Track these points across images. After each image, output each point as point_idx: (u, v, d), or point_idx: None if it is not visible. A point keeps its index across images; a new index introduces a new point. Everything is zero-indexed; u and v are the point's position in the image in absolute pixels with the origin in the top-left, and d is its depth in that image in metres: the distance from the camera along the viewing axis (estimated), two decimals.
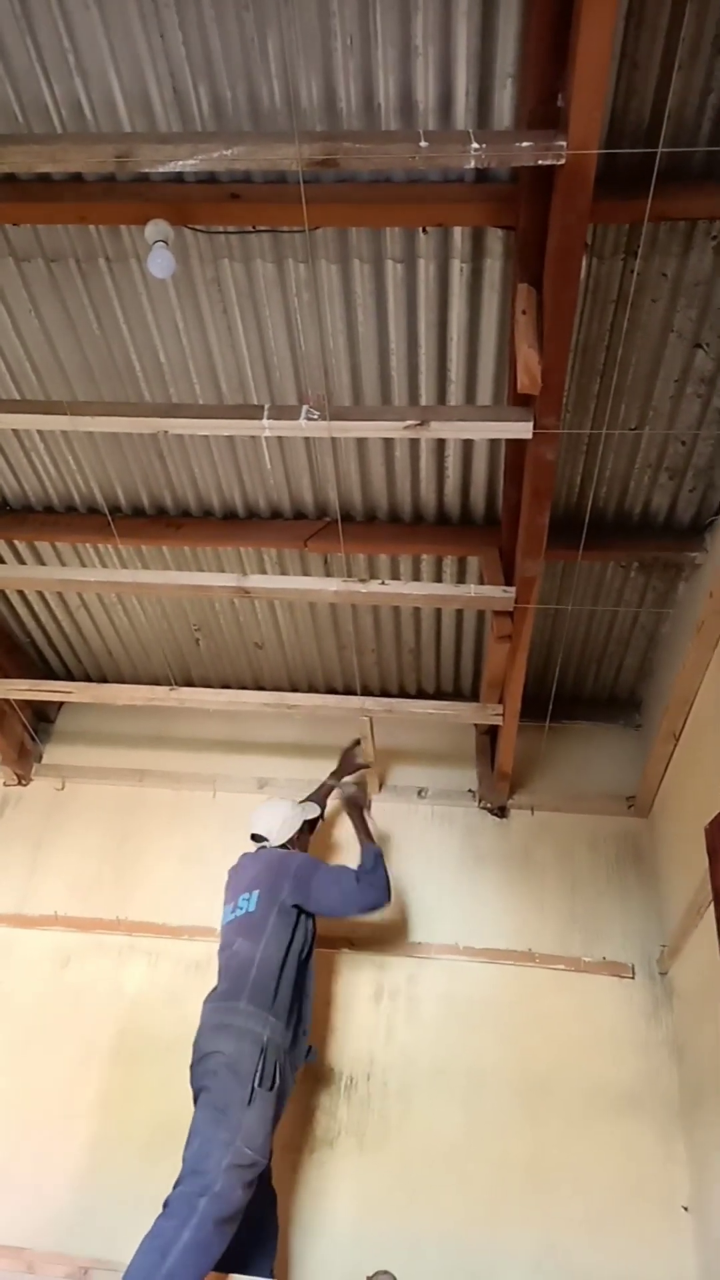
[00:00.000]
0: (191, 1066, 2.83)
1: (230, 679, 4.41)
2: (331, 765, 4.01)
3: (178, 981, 3.69)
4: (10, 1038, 3.61)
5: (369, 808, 3.55)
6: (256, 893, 3.10)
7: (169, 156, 2.04)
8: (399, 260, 2.55)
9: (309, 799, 3.71)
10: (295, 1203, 3.12)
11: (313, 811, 3.58)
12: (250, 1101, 2.64)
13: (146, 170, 2.12)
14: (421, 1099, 3.32)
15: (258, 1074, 2.68)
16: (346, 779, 3.81)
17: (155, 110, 2.31)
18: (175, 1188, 2.52)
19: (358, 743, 3.87)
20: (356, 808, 3.50)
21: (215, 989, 2.99)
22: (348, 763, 3.85)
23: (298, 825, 3.46)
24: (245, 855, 3.41)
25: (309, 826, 3.57)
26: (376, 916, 3.71)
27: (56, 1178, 3.26)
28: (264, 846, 3.39)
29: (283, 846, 3.40)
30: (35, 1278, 2.95)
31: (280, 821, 3.42)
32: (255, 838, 3.43)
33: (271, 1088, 2.70)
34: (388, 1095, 3.34)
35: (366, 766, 3.89)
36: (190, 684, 4.38)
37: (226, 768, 4.30)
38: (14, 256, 2.69)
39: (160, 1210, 2.49)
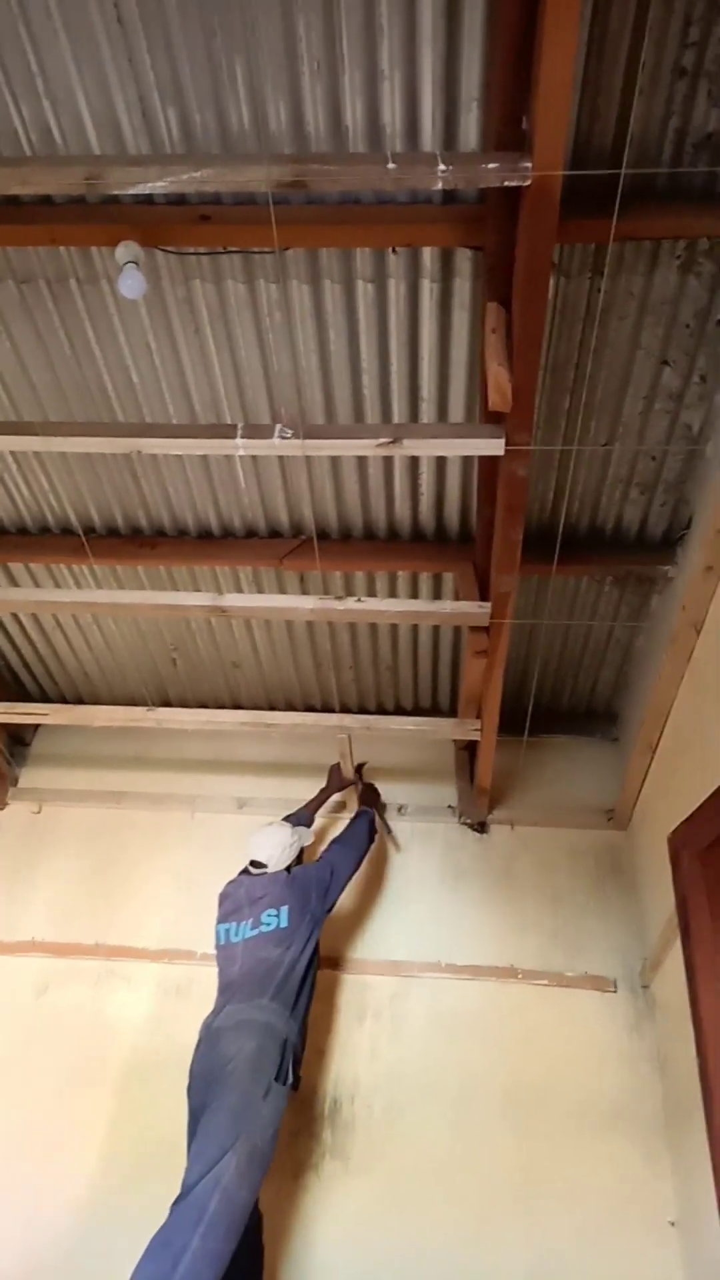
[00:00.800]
0: (194, 1078, 2.84)
1: (208, 699, 4.39)
2: (311, 783, 4.01)
3: (159, 1005, 3.65)
4: None
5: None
6: (286, 908, 3.19)
7: (138, 179, 2.05)
8: (369, 280, 2.57)
9: (298, 817, 3.73)
10: (283, 1229, 3.07)
11: (308, 839, 3.63)
12: (267, 1095, 2.68)
13: (116, 192, 2.13)
14: (408, 1118, 3.30)
15: (279, 1068, 2.75)
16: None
17: (124, 133, 2.33)
18: (183, 1191, 2.50)
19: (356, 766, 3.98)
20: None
21: (225, 1000, 3.02)
22: (336, 778, 3.88)
23: (296, 852, 3.49)
24: (245, 876, 3.42)
25: (303, 854, 3.59)
26: (358, 933, 3.71)
27: (49, 1207, 3.20)
28: (264, 871, 3.39)
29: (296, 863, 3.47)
30: None
31: (281, 849, 3.45)
32: (255, 864, 3.42)
33: (286, 1083, 2.76)
34: (373, 1116, 3.31)
35: (354, 782, 3.91)
36: (168, 704, 4.36)
37: (206, 788, 4.28)
38: None
39: (167, 1214, 2.47)
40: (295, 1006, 2.96)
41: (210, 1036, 2.94)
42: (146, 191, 2.06)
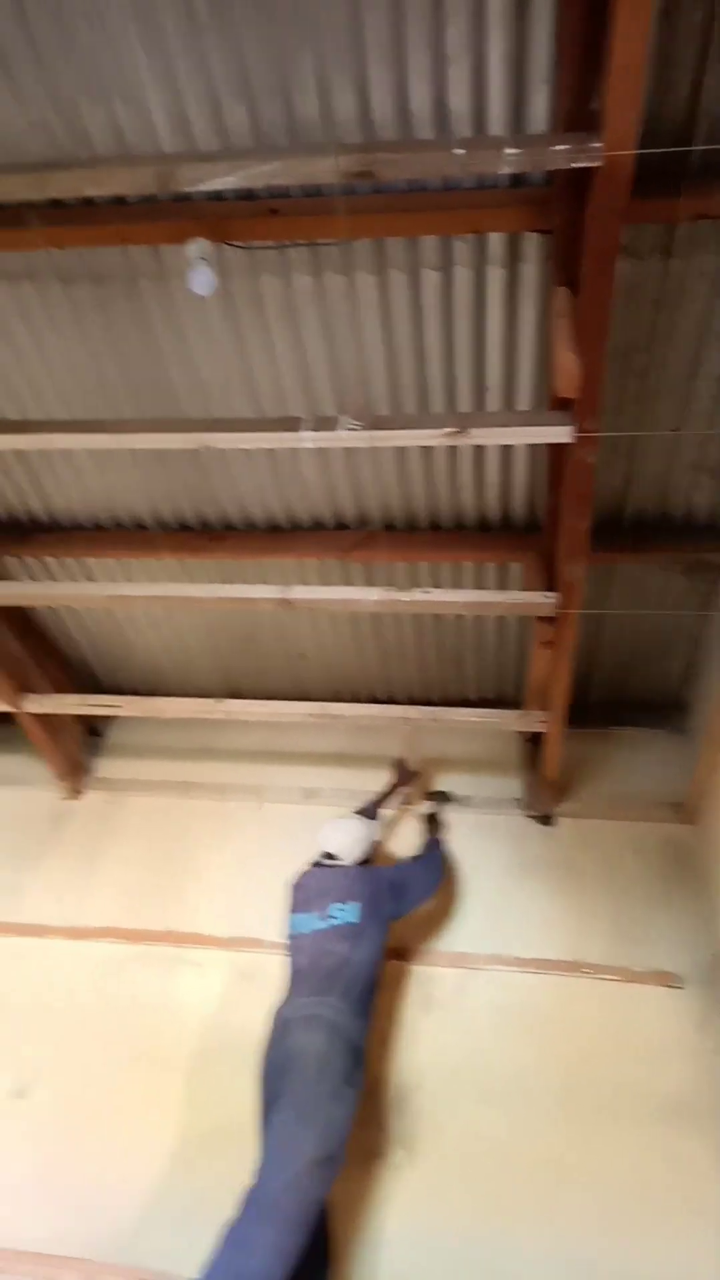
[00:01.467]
0: (266, 1066, 2.87)
1: (274, 690, 4.44)
2: (377, 775, 4.03)
3: (228, 992, 3.70)
4: (65, 1047, 3.65)
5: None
6: (356, 904, 3.18)
7: (209, 174, 2.09)
8: (435, 268, 2.57)
9: (365, 810, 3.76)
10: (351, 1215, 3.09)
11: (379, 834, 3.65)
12: (336, 1097, 2.69)
13: (187, 189, 2.17)
14: (472, 1110, 3.29)
15: (346, 1070, 2.75)
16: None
17: (193, 130, 2.37)
18: (254, 1184, 2.54)
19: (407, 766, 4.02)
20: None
21: (295, 991, 3.05)
22: (402, 772, 3.89)
23: (368, 846, 3.52)
24: (317, 868, 3.45)
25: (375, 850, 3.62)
26: (424, 925, 3.71)
27: (113, 1187, 3.27)
28: (337, 864, 3.42)
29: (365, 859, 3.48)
30: None
31: (353, 842, 3.47)
32: (327, 855, 3.46)
33: (356, 1087, 2.77)
34: (438, 1106, 3.31)
35: (418, 774, 3.94)
36: (236, 696, 4.41)
37: (272, 778, 4.33)
38: (59, 279, 2.77)
39: (236, 1208, 2.50)
40: (363, 1008, 2.98)
41: (281, 1026, 2.97)
42: (217, 187, 2.10)
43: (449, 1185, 3.15)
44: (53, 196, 2.37)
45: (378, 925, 3.18)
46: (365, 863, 3.51)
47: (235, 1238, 2.44)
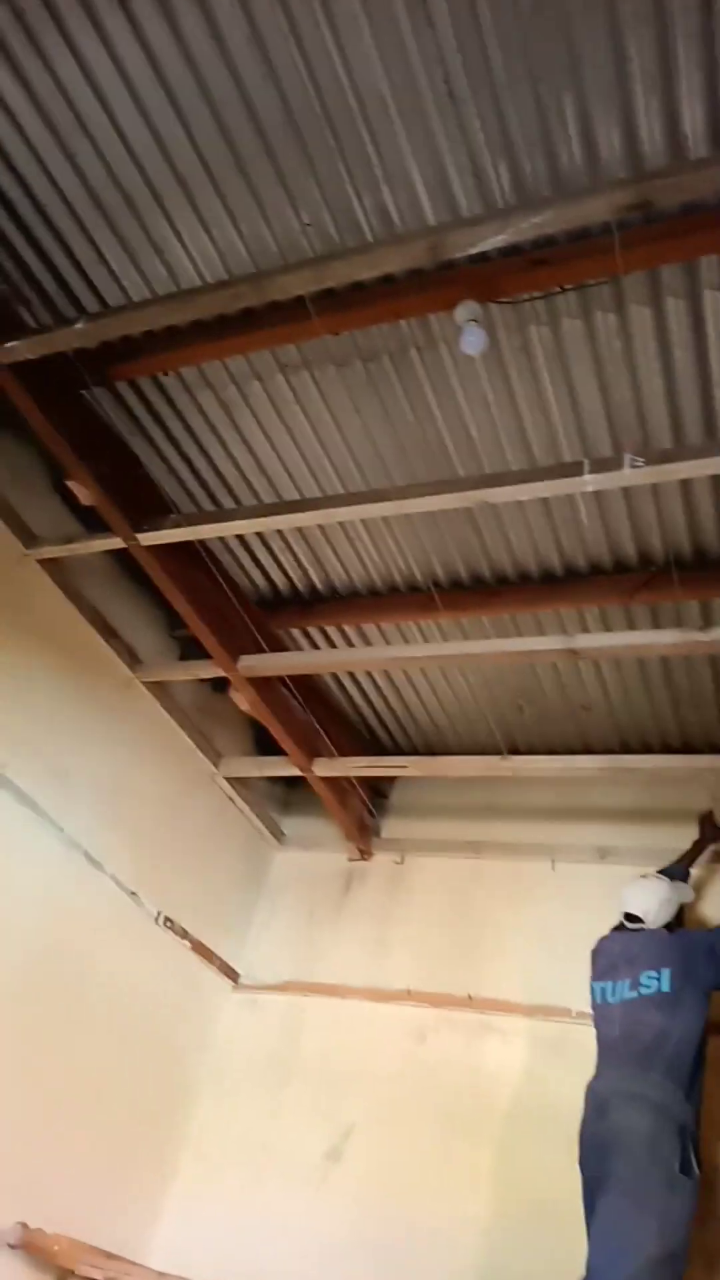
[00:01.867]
0: (586, 1146, 2.71)
1: (557, 745, 4.28)
2: (677, 831, 3.74)
3: (535, 1061, 3.55)
4: (377, 1112, 3.65)
5: None
6: (668, 971, 2.98)
7: (479, 237, 2.12)
8: (717, 288, 2.41)
9: (671, 870, 3.47)
10: None
11: (689, 895, 3.40)
12: (671, 1186, 2.48)
13: (455, 255, 2.20)
14: None
15: (680, 1157, 2.53)
16: None
17: (457, 198, 2.41)
18: (590, 1276, 2.38)
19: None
20: None
21: (609, 1065, 2.89)
22: (709, 828, 3.61)
23: (675, 908, 3.28)
24: (620, 932, 3.26)
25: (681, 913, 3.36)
26: None
27: (423, 1257, 3.20)
28: (642, 928, 3.21)
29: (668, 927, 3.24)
30: None
31: (658, 903, 3.25)
32: (630, 917, 3.25)
33: (692, 1177, 2.53)
34: None
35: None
36: (518, 753, 4.31)
37: (564, 837, 4.14)
38: (334, 363, 2.91)
39: None
40: (691, 1088, 2.73)
41: (598, 1104, 2.80)
42: (486, 248, 2.11)
43: None
44: (328, 286, 2.50)
45: (695, 995, 2.92)
46: (674, 926, 3.24)
47: None
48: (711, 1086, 3.11)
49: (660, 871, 3.45)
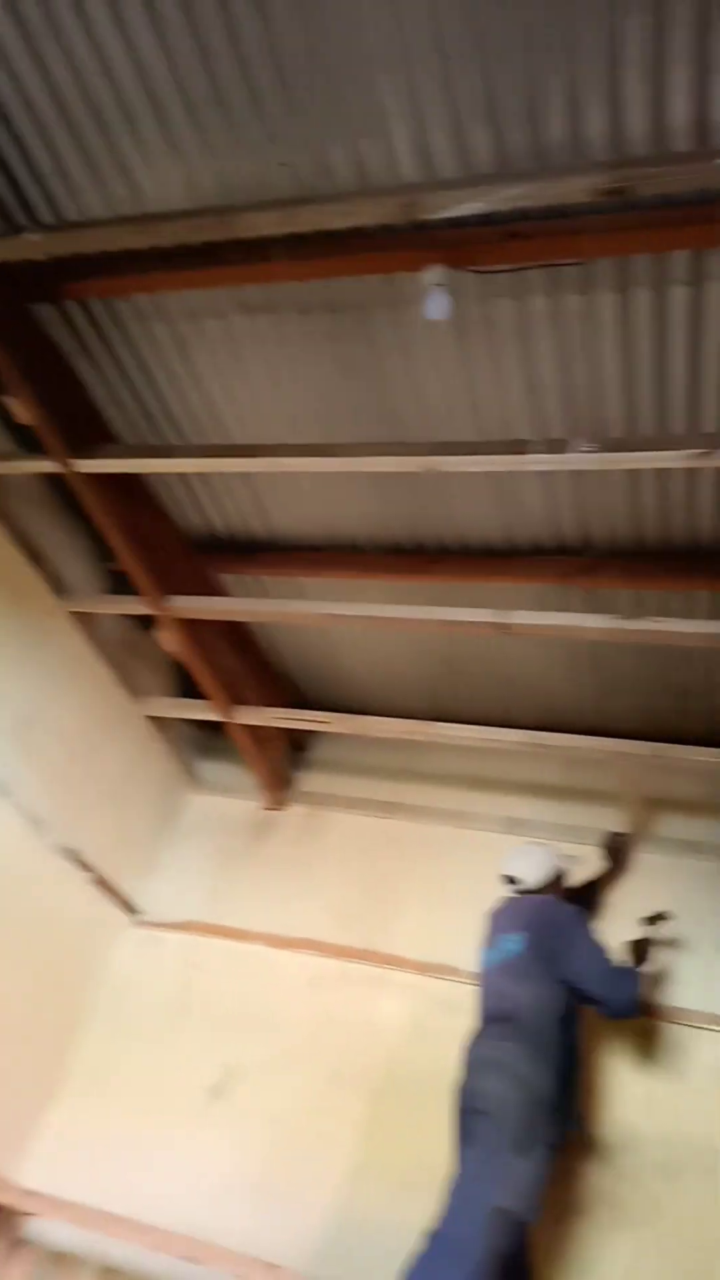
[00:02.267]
0: (456, 1105, 2.81)
1: (480, 717, 4.34)
2: (586, 810, 3.88)
3: (425, 1018, 3.66)
4: (265, 1055, 3.73)
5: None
6: (524, 936, 3.05)
7: (455, 201, 2.08)
8: (684, 283, 2.42)
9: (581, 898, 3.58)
10: (547, 1272, 2.96)
11: (568, 864, 3.46)
12: (521, 1152, 2.58)
13: (429, 217, 2.15)
14: (688, 1180, 3.06)
15: (531, 1123, 2.63)
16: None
17: (435, 158, 2.33)
18: (440, 1224, 2.49)
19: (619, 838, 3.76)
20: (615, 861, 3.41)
21: (482, 1028, 2.98)
22: (621, 860, 3.74)
23: (552, 872, 3.36)
24: (505, 898, 3.35)
25: (562, 877, 3.44)
26: None
27: (310, 1199, 3.31)
28: (520, 889, 3.31)
29: (537, 891, 3.31)
30: None
31: (535, 865, 3.35)
32: (508, 879, 3.35)
33: (547, 1144, 2.64)
34: (647, 1171, 3.11)
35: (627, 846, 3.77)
36: (441, 719, 4.37)
37: (476, 805, 4.25)
38: (296, 310, 2.84)
39: (421, 1242, 2.46)
40: (548, 1055, 2.79)
41: (468, 1065, 2.91)
42: (462, 213, 2.07)
43: (656, 1257, 2.94)
44: (297, 231, 2.43)
45: (544, 965, 2.96)
46: (557, 893, 3.35)
47: (423, 1277, 2.39)
48: (587, 1057, 3.29)
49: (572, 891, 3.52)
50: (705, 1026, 3.34)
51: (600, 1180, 3.12)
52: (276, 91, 2.29)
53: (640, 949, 3.16)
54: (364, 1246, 3.07)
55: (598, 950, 3.03)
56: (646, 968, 3.11)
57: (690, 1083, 3.25)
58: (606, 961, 3.00)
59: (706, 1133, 3.13)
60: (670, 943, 3.41)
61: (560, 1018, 2.91)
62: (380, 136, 2.34)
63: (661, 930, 3.30)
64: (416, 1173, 2.86)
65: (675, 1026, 3.37)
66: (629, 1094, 3.27)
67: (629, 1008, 2.96)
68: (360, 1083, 3.55)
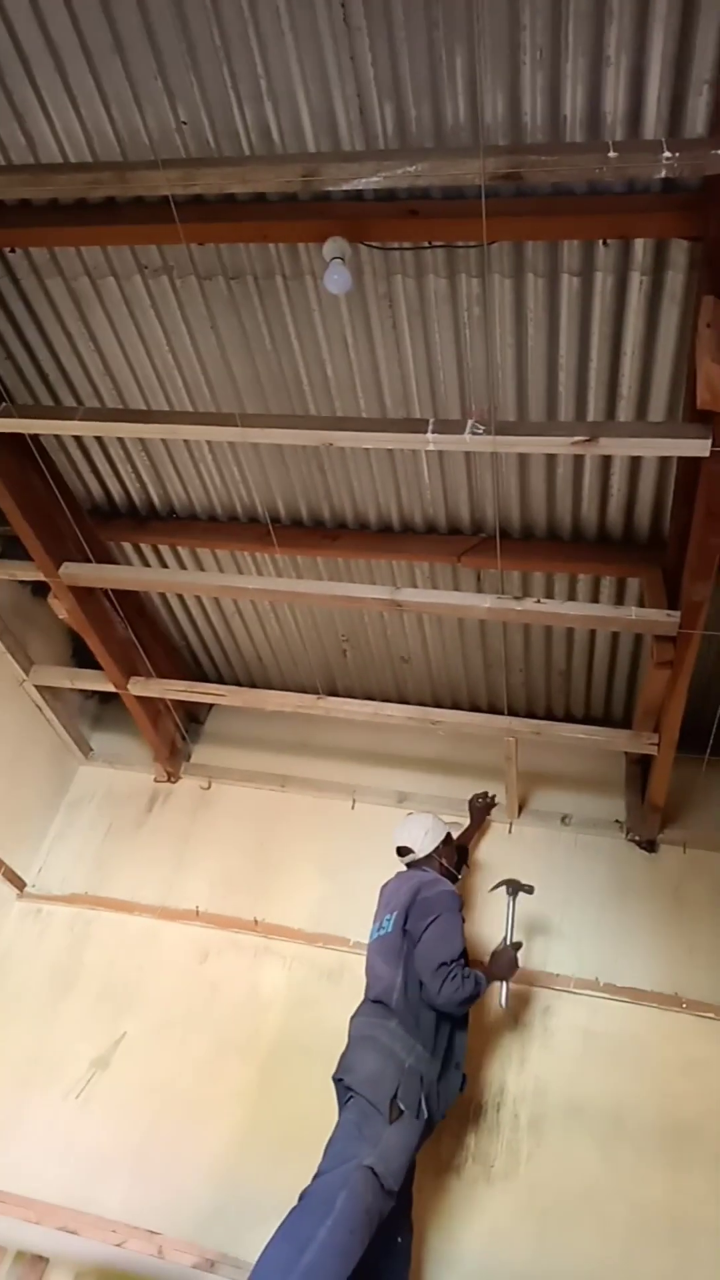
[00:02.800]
0: (337, 1075, 2.88)
1: (375, 692, 4.43)
2: (472, 783, 3.99)
3: (311, 987, 3.72)
4: (150, 1025, 3.73)
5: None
6: (395, 916, 3.11)
7: (353, 174, 2.09)
8: (576, 273, 2.50)
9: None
10: (422, 1226, 3.06)
11: (450, 829, 3.56)
12: (390, 1122, 2.65)
13: (329, 189, 2.16)
14: (554, 1135, 3.21)
15: (397, 1097, 2.70)
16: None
17: (340, 130, 2.36)
18: (313, 1182, 2.55)
19: (485, 796, 3.91)
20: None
21: (363, 1003, 3.05)
22: (477, 814, 3.88)
23: (440, 836, 3.44)
24: (397, 874, 3.42)
25: (450, 839, 3.52)
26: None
27: (190, 1167, 3.33)
28: (412, 860, 3.39)
29: (428, 858, 3.40)
30: (164, 1263, 3.02)
31: (423, 833, 3.43)
32: (400, 851, 3.43)
33: (417, 1115, 2.71)
34: (519, 1127, 3.25)
35: (494, 804, 3.93)
36: (335, 694, 4.42)
37: (367, 779, 4.31)
38: (196, 275, 2.81)
39: (295, 1203, 2.51)
40: (419, 1031, 2.86)
41: (349, 1037, 2.98)
42: (361, 187, 2.09)
43: (524, 1208, 3.09)
44: (198, 193, 2.40)
45: (410, 945, 3.00)
46: (448, 855, 3.44)
47: (288, 1232, 2.46)
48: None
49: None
50: (572, 990, 3.51)
51: (472, 1137, 3.24)
52: (178, 47, 2.25)
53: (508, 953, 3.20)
54: (246, 1210, 3.11)
55: (443, 944, 2.95)
56: (504, 969, 3.15)
57: (556, 1043, 3.40)
58: (448, 956, 2.91)
59: (569, 1090, 3.28)
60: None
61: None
62: (285, 102, 2.33)
63: (519, 896, 3.42)
64: (298, 1137, 2.91)
65: (545, 990, 3.52)
66: (501, 1054, 3.40)
67: (448, 1007, 2.89)
68: (245, 1051, 3.59)
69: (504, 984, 3.19)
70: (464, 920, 3.14)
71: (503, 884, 3.44)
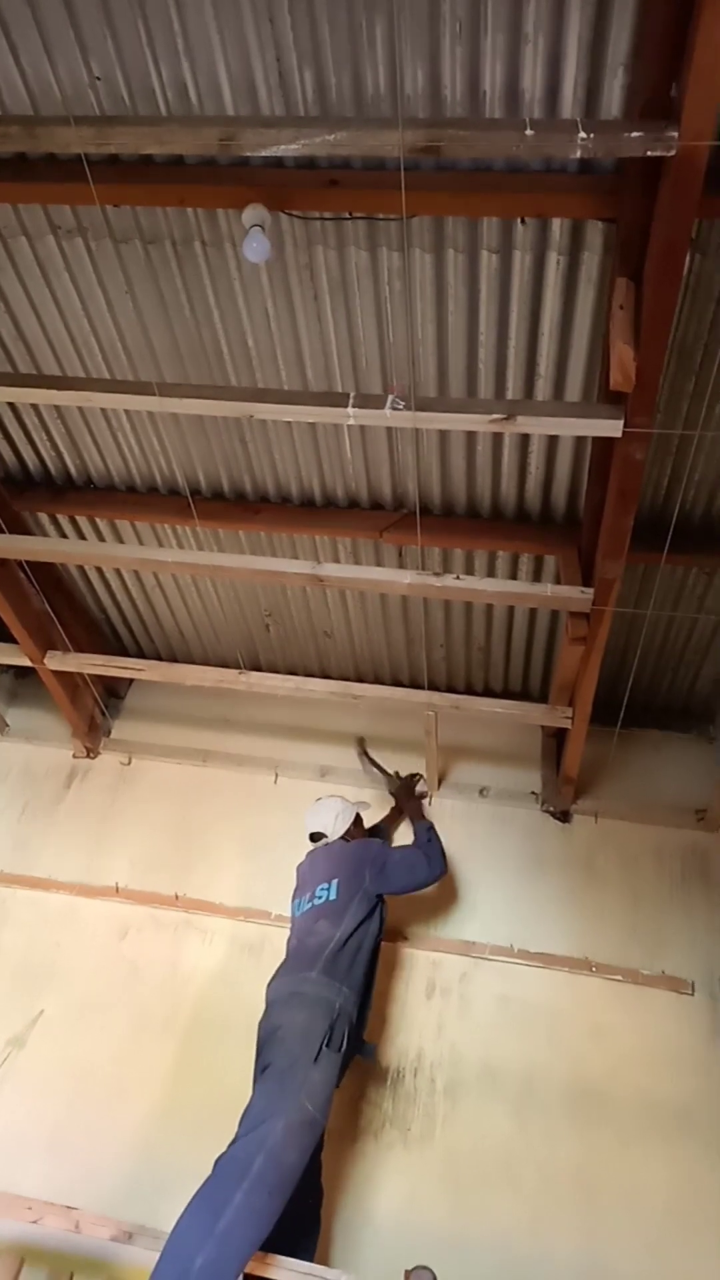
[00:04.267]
0: (258, 1044, 2.90)
1: (297, 666, 4.43)
2: (395, 757, 4.05)
3: (232, 962, 3.73)
4: (68, 1003, 3.69)
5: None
6: (336, 881, 3.21)
7: (272, 140, 2.04)
8: (494, 251, 2.51)
9: (380, 827, 3.87)
10: (337, 1191, 3.13)
11: (362, 808, 3.65)
12: (316, 1060, 2.72)
13: (248, 154, 2.12)
14: (469, 1099, 3.30)
15: (327, 1036, 2.78)
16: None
17: (260, 95, 2.31)
18: (229, 1148, 2.56)
19: (414, 777, 3.99)
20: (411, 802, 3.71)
21: (280, 971, 3.09)
22: (405, 801, 3.92)
23: (351, 818, 3.56)
24: (313, 851, 3.48)
25: (360, 820, 3.64)
26: (431, 910, 3.71)
27: (107, 1143, 3.32)
28: (326, 842, 3.45)
29: (342, 839, 3.46)
30: (81, 1237, 3.01)
31: (334, 817, 3.52)
32: (314, 836, 3.51)
33: (339, 1050, 2.79)
34: (435, 1092, 3.33)
35: (424, 796, 4.01)
36: (258, 669, 4.41)
37: (289, 754, 4.33)
38: (112, 238, 2.73)
39: (210, 1171, 2.53)
40: (348, 978, 2.97)
41: (267, 1005, 3.03)
42: (279, 154, 2.06)
43: (439, 1171, 3.17)
44: (112, 152, 2.34)
45: (361, 900, 3.17)
46: (377, 831, 3.54)
47: (204, 1197, 2.46)
48: (386, 984, 3.47)
49: (370, 830, 3.76)
50: (489, 957, 3.60)
51: (388, 1102, 3.31)
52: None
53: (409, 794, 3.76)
54: (164, 1183, 3.09)
55: (405, 853, 3.37)
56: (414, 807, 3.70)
57: (473, 1009, 3.49)
58: (410, 858, 3.34)
59: (484, 1055, 3.38)
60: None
61: (370, 947, 3.11)
62: (203, 64, 2.28)
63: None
64: (218, 1110, 2.91)
65: (463, 958, 3.61)
66: (418, 1020, 3.48)
67: (443, 866, 3.38)
68: (165, 1027, 3.59)
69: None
70: None
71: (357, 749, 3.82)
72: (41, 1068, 3.54)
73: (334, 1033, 2.81)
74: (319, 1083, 2.71)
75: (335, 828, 3.49)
